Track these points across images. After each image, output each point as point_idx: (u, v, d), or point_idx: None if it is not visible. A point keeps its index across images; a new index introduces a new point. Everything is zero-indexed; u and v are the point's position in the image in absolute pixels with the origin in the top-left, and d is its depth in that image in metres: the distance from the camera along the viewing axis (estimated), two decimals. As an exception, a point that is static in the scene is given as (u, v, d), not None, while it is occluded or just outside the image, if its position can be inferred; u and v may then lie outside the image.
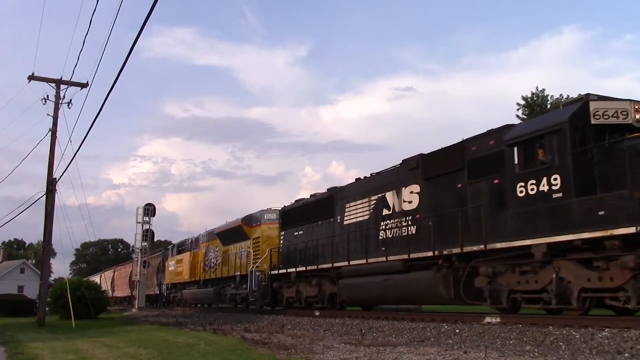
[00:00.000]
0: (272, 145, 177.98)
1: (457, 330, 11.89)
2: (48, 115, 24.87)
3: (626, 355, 8.26)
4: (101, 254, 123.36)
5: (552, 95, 40.45)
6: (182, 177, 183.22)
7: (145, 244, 38.12)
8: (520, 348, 9.61)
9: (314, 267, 20.58)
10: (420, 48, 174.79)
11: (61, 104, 24.94)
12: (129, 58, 13.02)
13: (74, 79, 24.39)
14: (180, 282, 37.12)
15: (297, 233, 22.45)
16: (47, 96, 25.01)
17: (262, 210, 26.21)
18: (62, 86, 25.01)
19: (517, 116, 41.21)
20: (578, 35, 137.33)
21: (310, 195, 22.94)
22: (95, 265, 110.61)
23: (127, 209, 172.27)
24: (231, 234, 28.89)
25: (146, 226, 38.11)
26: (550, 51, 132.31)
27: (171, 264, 39.68)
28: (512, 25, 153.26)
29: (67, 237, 55.62)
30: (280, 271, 23.12)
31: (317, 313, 19.55)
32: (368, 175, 19.14)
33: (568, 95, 39.36)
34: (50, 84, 25.06)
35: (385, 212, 17.17)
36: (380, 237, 17.17)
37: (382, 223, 17.17)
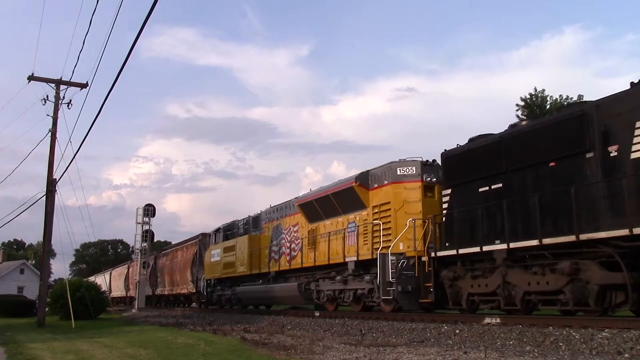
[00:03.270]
0: (274, 146, 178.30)
1: (457, 331, 11.90)
2: (48, 115, 24.86)
3: (626, 355, 8.27)
4: (101, 254, 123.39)
5: (551, 96, 40.48)
6: (184, 177, 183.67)
7: (145, 244, 38.05)
8: (520, 348, 9.62)
9: (570, 239, 11.60)
10: (422, 48, 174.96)
11: (61, 104, 24.88)
12: (130, 58, 12.97)
13: (73, 79, 24.35)
14: (232, 276, 28.07)
15: (485, 189, 14.11)
16: (47, 96, 24.96)
17: (391, 162, 17.50)
18: (62, 86, 24.95)
19: (517, 116, 41.26)
20: (579, 35, 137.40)
21: (510, 126, 14.57)
22: (95, 266, 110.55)
23: (128, 209, 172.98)
24: (327, 204, 20.26)
25: (146, 227, 38.05)
26: (552, 51, 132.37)
27: (214, 254, 30.64)
28: (513, 25, 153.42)
29: (67, 238, 55.51)
30: (460, 251, 14.42)
31: (317, 313, 19.57)
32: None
33: (568, 96, 39.43)
34: (49, 84, 25.00)
35: None
36: None
37: None
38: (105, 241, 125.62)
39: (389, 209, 17.11)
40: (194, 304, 37.17)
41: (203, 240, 35.13)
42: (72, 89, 24.99)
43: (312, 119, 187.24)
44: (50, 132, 24.51)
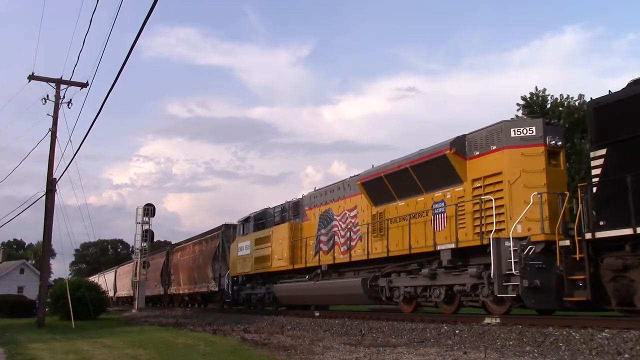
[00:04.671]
0: (275, 145, 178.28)
1: (457, 331, 11.91)
2: (48, 115, 24.87)
3: (626, 356, 8.28)
4: (101, 254, 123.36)
5: (552, 95, 40.41)
6: (184, 177, 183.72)
7: (145, 244, 37.99)
8: (520, 349, 9.62)
9: None
10: (422, 48, 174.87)
11: (61, 103, 24.91)
12: (130, 58, 12.97)
13: (74, 79, 24.38)
14: (266, 271, 24.11)
15: None
16: (47, 96, 24.98)
17: (502, 122, 13.96)
18: (62, 86, 24.96)
19: (517, 116, 41.18)
20: (580, 34, 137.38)
21: None
22: (95, 265, 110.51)
23: (128, 209, 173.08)
24: (403, 180, 16.49)
25: (146, 226, 37.98)
26: (552, 51, 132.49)
27: (242, 247, 26.65)
28: (514, 25, 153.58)
29: (66, 238, 55.21)
30: None
31: (317, 314, 19.53)
32: None
33: (568, 95, 39.37)
34: (50, 83, 25.02)
35: None
36: None
37: None
38: (105, 241, 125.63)
39: (500, 182, 13.58)
40: (215, 304, 33.79)
41: (226, 232, 31.60)
42: (72, 88, 25.02)
43: (313, 118, 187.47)
44: (50, 132, 24.53)
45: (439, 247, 14.58)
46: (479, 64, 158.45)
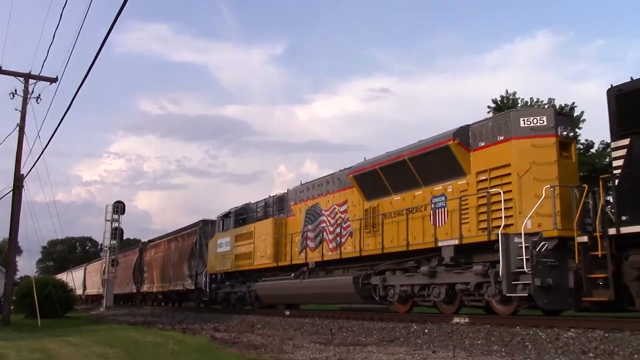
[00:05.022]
0: (248, 144, 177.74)
1: (426, 330, 11.98)
2: (16, 110, 24.47)
3: (590, 355, 8.42)
4: (69, 252, 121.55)
5: (522, 98, 40.97)
6: (156, 174, 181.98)
7: (114, 242, 37.56)
8: (488, 348, 9.74)
9: None
10: (396, 49, 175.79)
11: (30, 98, 24.53)
12: (101, 53, 12.85)
13: (43, 74, 24.04)
14: (247, 269, 23.33)
15: None
16: (15, 90, 24.59)
17: (510, 111, 14.03)
18: (31, 81, 24.59)
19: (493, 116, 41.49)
20: (550, 39, 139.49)
21: None
22: (63, 263, 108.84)
23: (98, 206, 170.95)
24: (400, 173, 15.74)
25: (115, 224, 37.56)
26: (523, 54, 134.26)
27: (221, 244, 25.68)
28: (486, 28, 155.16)
29: (34, 235, 54.25)
30: None
31: (288, 312, 19.52)
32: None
33: (538, 99, 39.96)
34: (18, 78, 24.61)
35: None
36: None
37: None
38: (74, 238, 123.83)
39: (508, 174, 12.83)
40: (190, 303, 32.79)
41: (204, 228, 30.40)
42: (41, 83, 24.64)
43: (286, 117, 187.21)
44: (18, 127, 24.13)
45: (440, 244, 13.77)
46: (452, 66, 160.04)
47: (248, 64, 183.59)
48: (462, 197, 13.72)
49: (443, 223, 14.19)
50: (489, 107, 42.62)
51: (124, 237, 42.88)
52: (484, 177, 13.38)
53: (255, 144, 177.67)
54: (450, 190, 14.23)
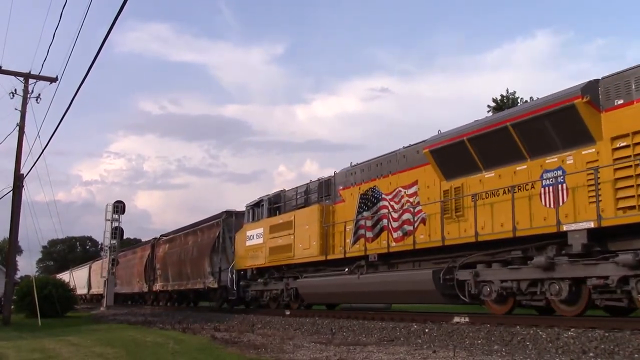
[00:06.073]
0: (248, 144, 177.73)
1: (426, 330, 11.98)
2: (16, 109, 24.50)
3: (591, 354, 8.41)
4: (69, 251, 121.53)
5: (522, 98, 40.98)
6: (156, 174, 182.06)
7: (114, 242, 37.55)
8: (488, 347, 9.73)
9: None
10: (396, 49, 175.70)
11: (29, 98, 24.56)
12: (101, 53, 12.85)
13: (43, 73, 24.09)
14: (285, 263, 20.58)
15: None
16: (15, 90, 24.68)
17: None
18: (31, 80, 24.61)
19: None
20: (551, 38, 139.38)
21: None
22: (63, 263, 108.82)
23: (98, 206, 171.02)
24: (498, 142, 12.97)
25: (115, 224, 37.53)
26: (523, 54, 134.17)
27: (251, 236, 23.01)
28: (486, 28, 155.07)
29: (34, 234, 54.28)
30: None
31: (288, 312, 19.49)
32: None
33: (538, 98, 40.05)
34: (18, 77, 24.65)
35: None
36: None
37: None
38: (74, 238, 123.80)
39: None
40: (211, 303, 30.03)
41: (227, 221, 27.46)
42: (41, 83, 24.69)
43: (286, 117, 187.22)
44: (18, 126, 24.14)
45: (565, 227, 11.04)
46: (452, 65, 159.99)
47: (248, 63, 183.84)
48: (572, 173, 11.36)
49: (561, 203, 11.49)
50: (489, 106, 42.71)
51: (124, 237, 42.77)
52: (624, 144, 10.62)
53: (255, 143, 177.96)
54: (571, 162, 11.56)
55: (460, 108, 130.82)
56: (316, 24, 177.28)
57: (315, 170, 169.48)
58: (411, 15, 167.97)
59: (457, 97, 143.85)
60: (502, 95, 40.83)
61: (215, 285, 26.84)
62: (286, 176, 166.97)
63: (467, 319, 12.59)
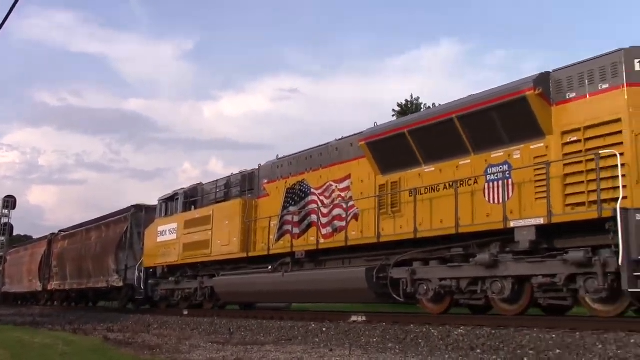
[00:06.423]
0: (152, 140, 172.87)
1: (324, 329, 12.09)
2: None
3: (478, 351, 8.79)
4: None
5: (425, 103, 42.33)
6: (52, 168, 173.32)
7: (3, 238, 35.65)
8: (383, 345, 9.96)
9: None
10: (305, 50, 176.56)
11: None
12: (-10, 38, 11.93)
13: None
14: (202, 260, 19.35)
15: None
16: None
17: (620, 50, 10.14)
18: None
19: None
20: (456, 47, 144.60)
21: None
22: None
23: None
24: (441, 135, 12.44)
25: (5, 219, 35.66)
26: (429, 61, 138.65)
27: (163, 231, 21.66)
28: (394, 34, 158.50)
29: None
30: None
31: (186, 312, 19.15)
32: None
33: (440, 104, 41.52)
34: None
35: None
36: None
37: None
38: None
39: (618, 132, 9.86)
40: (112, 303, 28.17)
41: (136, 215, 25.86)
42: None
43: (193, 114, 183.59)
44: None
45: (513, 224, 10.66)
46: (359, 69, 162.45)
47: (156, 57, 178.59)
48: (518, 168, 11.06)
49: (506, 199, 11.00)
50: (393, 110, 43.85)
51: (14, 234, 40.65)
52: (574, 138, 10.36)
53: (160, 140, 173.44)
54: (518, 156, 11.20)
55: (365, 110, 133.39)
56: (227, 20, 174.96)
57: (220, 168, 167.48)
58: (321, 18, 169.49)
59: (363, 100, 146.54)
60: (406, 100, 41.99)
61: (121, 284, 25.15)
62: (190, 174, 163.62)
63: (364, 318, 12.83)
